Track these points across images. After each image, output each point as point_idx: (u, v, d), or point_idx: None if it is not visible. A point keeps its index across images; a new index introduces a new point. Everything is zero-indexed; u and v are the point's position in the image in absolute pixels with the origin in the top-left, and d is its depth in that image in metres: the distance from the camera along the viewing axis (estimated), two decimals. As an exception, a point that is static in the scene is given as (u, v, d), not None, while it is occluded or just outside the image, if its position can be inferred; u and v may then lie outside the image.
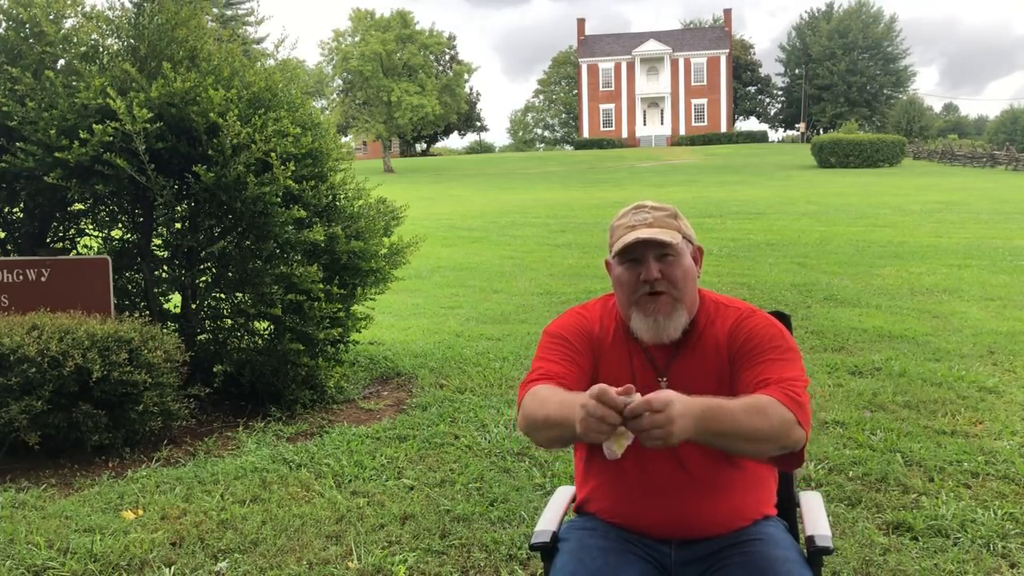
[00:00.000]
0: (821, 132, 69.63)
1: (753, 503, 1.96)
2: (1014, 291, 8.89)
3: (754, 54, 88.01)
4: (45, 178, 4.39)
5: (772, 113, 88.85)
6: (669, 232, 1.88)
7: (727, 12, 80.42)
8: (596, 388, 1.58)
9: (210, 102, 4.49)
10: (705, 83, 76.08)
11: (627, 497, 1.93)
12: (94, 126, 4.30)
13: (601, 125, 77.42)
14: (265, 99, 4.92)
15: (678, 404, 1.59)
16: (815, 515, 2.00)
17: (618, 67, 77.17)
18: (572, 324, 2.02)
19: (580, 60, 78.77)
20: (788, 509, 2.17)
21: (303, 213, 4.75)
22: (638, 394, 1.59)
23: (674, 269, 1.89)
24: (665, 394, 1.60)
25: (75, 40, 4.79)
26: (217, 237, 4.95)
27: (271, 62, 5.67)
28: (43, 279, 4.57)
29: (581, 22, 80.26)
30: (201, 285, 5.12)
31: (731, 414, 1.68)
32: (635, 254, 1.89)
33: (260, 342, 5.10)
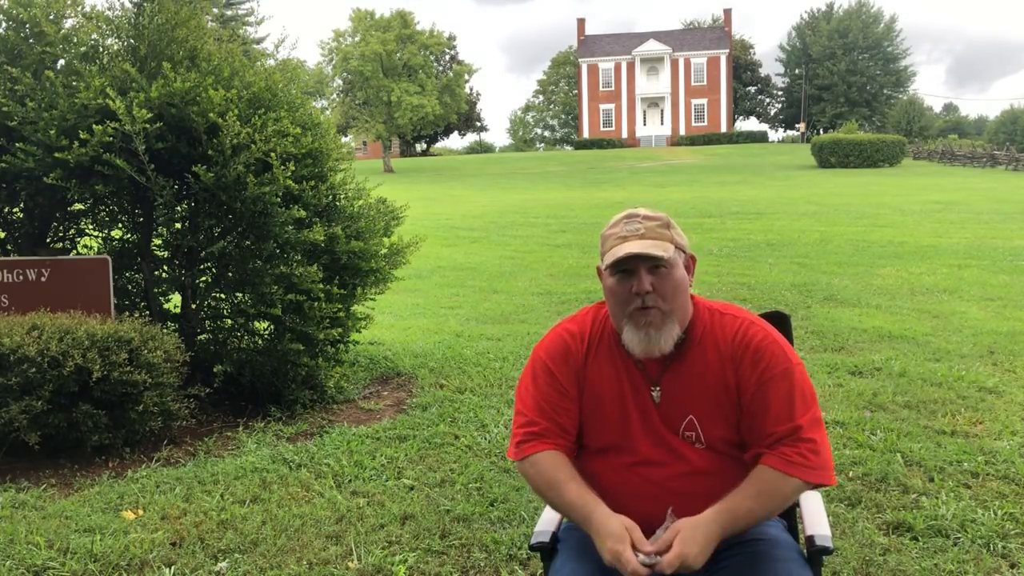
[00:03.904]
0: (821, 132, 69.65)
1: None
2: (1014, 291, 8.89)
3: (754, 54, 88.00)
4: (45, 178, 4.39)
5: (772, 113, 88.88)
6: (661, 245, 1.86)
7: (727, 12, 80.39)
8: (626, 554, 1.72)
9: (210, 102, 4.49)
10: (705, 83, 76.06)
11: (627, 497, 1.93)
12: (94, 126, 4.30)
13: (601, 125, 77.41)
14: (265, 99, 4.91)
15: (698, 537, 1.73)
16: (815, 515, 2.00)
17: (618, 67, 77.16)
18: (558, 350, 2.00)
19: (580, 60, 78.75)
20: (788, 509, 2.17)
21: (303, 213, 4.75)
22: (659, 557, 1.72)
23: (665, 282, 1.86)
24: (680, 550, 1.71)
25: (75, 40, 4.79)
26: (217, 237, 4.95)
27: (271, 62, 5.66)
28: (43, 279, 4.57)
29: (581, 22, 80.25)
30: (201, 285, 5.11)
31: (748, 515, 1.80)
32: (626, 266, 1.87)
33: (260, 342, 5.09)
